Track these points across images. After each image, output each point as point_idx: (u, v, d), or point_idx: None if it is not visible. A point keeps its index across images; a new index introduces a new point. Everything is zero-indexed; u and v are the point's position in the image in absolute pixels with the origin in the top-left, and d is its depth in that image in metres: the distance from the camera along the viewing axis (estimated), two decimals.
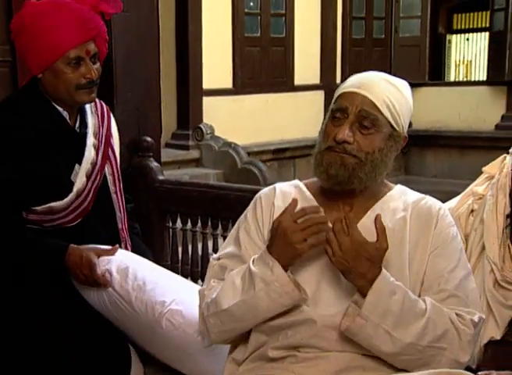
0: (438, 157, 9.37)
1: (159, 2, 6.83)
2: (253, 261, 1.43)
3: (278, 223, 1.39)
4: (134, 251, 2.05)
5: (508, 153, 1.87)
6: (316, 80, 9.04)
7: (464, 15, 11.33)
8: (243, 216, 1.59)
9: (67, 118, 1.90)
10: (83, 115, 1.96)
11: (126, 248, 2.04)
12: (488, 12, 9.55)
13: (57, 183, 1.86)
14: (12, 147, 1.79)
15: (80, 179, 1.90)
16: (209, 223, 2.85)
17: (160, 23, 6.52)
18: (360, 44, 9.67)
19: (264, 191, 1.60)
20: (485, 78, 9.96)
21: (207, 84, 7.43)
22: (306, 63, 8.75)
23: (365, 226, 1.44)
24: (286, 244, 1.37)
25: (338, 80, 9.05)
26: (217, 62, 7.57)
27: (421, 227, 1.47)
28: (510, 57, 8.40)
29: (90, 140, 1.94)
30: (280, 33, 8.52)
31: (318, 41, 9.05)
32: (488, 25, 9.75)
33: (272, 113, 8.21)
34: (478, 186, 1.91)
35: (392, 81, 1.48)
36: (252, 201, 1.59)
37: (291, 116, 8.35)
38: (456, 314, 1.41)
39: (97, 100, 2.01)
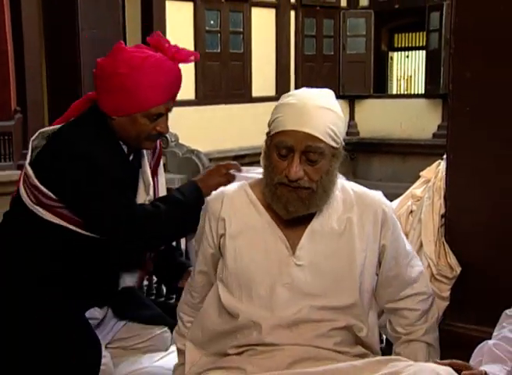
0: (382, 162, 9.53)
1: (126, 22, 6.75)
2: None
3: None
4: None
5: (442, 159, 1.90)
6: (272, 92, 9.08)
7: (403, 34, 11.55)
8: (200, 223, 1.55)
9: (125, 150, 1.79)
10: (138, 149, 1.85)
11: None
12: (425, 33, 9.76)
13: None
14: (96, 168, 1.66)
15: None
16: None
17: (127, 40, 6.47)
18: (312, 59, 9.77)
19: (212, 199, 1.52)
20: (423, 91, 10.17)
21: None
22: (262, 77, 8.79)
23: (315, 231, 1.44)
24: None
25: None
26: None
27: (369, 223, 1.47)
28: (445, 72, 8.60)
29: (143, 180, 1.83)
30: (238, 49, 8.54)
31: (274, 57, 9.10)
32: (424, 44, 9.96)
33: (231, 122, 8.21)
34: (416, 189, 1.93)
35: (325, 105, 1.41)
36: (203, 210, 1.54)
37: (249, 125, 8.35)
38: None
39: None
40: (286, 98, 1.45)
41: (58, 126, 1.78)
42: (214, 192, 1.54)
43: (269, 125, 1.45)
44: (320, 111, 1.39)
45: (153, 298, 2.41)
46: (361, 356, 1.42)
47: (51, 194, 1.68)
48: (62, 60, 2.28)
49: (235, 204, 1.48)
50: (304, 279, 1.42)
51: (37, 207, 1.70)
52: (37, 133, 1.77)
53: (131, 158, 1.83)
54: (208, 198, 1.54)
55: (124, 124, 1.71)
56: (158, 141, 1.94)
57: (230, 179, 1.81)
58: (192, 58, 1.75)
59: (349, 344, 1.43)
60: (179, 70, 1.73)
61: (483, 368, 1.26)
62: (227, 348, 1.43)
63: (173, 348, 1.86)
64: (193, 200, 1.74)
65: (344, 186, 1.51)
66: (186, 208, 1.74)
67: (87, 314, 1.82)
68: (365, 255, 1.45)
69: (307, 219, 1.45)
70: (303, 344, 1.39)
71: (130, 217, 1.67)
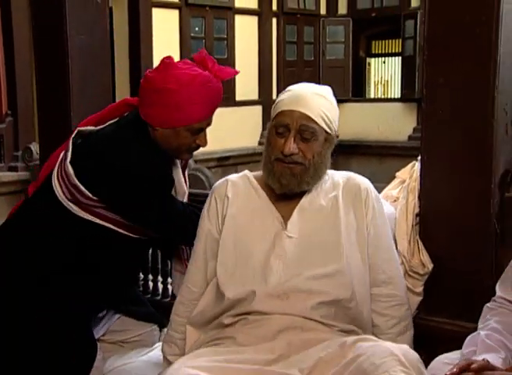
0: (361, 164, 9.56)
1: (114, 29, 6.68)
2: None
3: None
4: None
5: (417, 160, 1.91)
6: (255, 97, 9.09)
7: (380, 41, 11.62)
8: (203, 210, 1.62)
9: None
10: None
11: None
12: (400, 40, 9.84)
13: None
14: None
15: None
16: None
17: (114, 47, 6.42)
18: (293, 65, 9.79)
19: (218, 184, 1.63)
20: (399, 96, 10.23)
21: None
22: (246, 82, 8.78)
23: (304, 207, 1.53)
24: None
25: (274, 96, 9.12)
26: None
27: (352, 201, 1.55)
28: (420, 78, 8.67)
29: (175, 187, 1.83)
30: (223, 55, 8.52)
31: (256, 62, 9.11)
32: (400, 50, 10.04)
33: (216, 125, 8.03)
34: (392, 189, 1.94)
35: (321, 93, 1.55)
36: (209, 196, 1.63)
37: (233, 128, 8.35)
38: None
39: None
40: (287, 88, 1.58)
41: (95, 128, 1.76)
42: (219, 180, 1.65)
43: (271, 113, 1.56)
44: (315, 96, 1.52)
45: (149, 296, 2.38)
46: (348, 332, 1.45)
47: (90, 194, 1.66)
48: (51, 65, 2.25)
49: (238, 188, 1.59)
50: (294, 250, 1.49)
51: (71, 204, 1.69)
52: (75, 131, 1.76)
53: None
54: (214, 185, 1.64)
55: (167, 136, 1.71)
56: None
57: None
58: (233, 76, 1.78)
59: (337, 319, 1.45)
60: (222, 88, 1.75)
61: (481, 357, 1.26)
62: (223, 319, 1.48)
63: (158, 343, 1.85)
64: None
65: (334, 173, 1.62)
66: None
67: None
68: (351, 229, 1.52)
69: (298, 198, 1.54)
70: (291, 313, 1.42)
71: (161, 216, 1.70)
